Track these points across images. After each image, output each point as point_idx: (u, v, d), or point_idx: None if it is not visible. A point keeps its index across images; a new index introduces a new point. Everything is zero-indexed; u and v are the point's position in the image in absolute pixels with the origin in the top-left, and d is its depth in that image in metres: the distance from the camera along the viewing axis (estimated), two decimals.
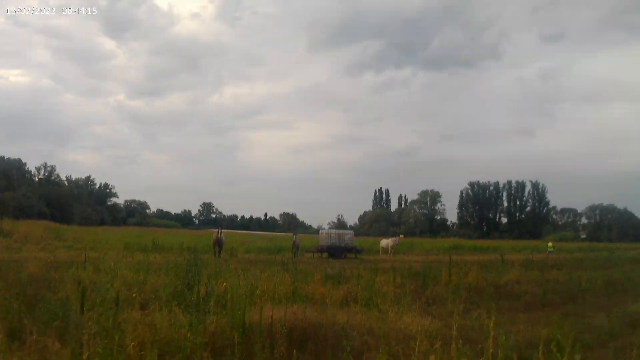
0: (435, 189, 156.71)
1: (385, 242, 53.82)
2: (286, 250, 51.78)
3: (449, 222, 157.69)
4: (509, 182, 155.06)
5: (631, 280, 23.00)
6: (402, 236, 55.62)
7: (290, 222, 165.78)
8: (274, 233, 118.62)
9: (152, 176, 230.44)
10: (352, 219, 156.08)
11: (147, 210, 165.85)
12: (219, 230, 42.16)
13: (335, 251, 48.00)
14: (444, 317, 13.96)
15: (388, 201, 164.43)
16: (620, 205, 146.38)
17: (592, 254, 55.51)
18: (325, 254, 48.81)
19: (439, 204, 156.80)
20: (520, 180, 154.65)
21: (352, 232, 52.47)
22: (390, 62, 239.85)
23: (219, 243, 41.15)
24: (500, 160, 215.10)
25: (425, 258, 52.62)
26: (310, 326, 10.88)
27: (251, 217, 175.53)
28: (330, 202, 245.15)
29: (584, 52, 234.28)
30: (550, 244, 57.41)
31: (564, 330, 11.34)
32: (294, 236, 48.19)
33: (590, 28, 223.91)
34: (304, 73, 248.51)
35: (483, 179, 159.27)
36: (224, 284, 14.45)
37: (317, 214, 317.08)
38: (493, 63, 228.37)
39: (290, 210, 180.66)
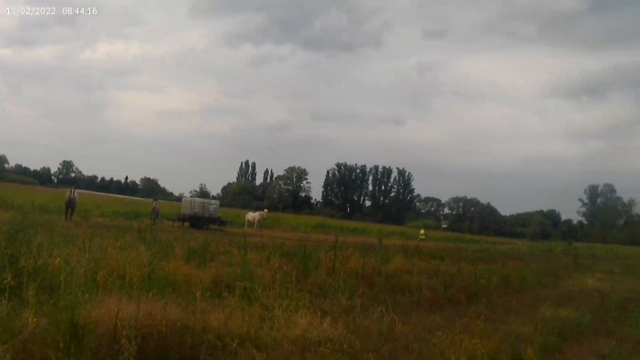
0: (303, 167, 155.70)
1: (251, 216, 50.98)
2: (145, 217, 48.08)
3: (313, 200, 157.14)
4: (376, 167, 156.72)
5: (526, 280, 21.25)
6: (266, 211, 52.73)
7: (151, 188, 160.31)
8: (133, 197, 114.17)
9: (14, 130, 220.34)
10: (215, 190, 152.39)
11: (6, 165, 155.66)
12: (72, 190, 37.79)
13: (198, 221, 44.61)
14: (341, 315, 11.18)
15: (254, 174, 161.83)
16: (483, 200, 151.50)
17: (462, 244, 55.17)
18: (186, 224, 45.35)
19: (304, 182, 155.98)
20: (387, 166, 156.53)
21: (217, 202, 48.90)
22: (271, 36, 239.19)
23: (70, 204, 37.27)
24: (369, 145, 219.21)
25: (292, 235, 50.64)
26: (172, 332, 7.67)
27: (112, 180, 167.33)
28: (194, 171, 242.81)
29: (463, 51, 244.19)
30: (422, 231, 57.05)
31: (495, 342, 9.60)
32: (154, 202, 44.33)
33: (472, 29, 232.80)
34: (182, 38, 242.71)
35: (351, 161, 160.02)
36: (57, 259, 10.82)
37: (180, 182, 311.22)
38: (373, 51, 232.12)
39: (152, 176, 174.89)
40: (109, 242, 16.81)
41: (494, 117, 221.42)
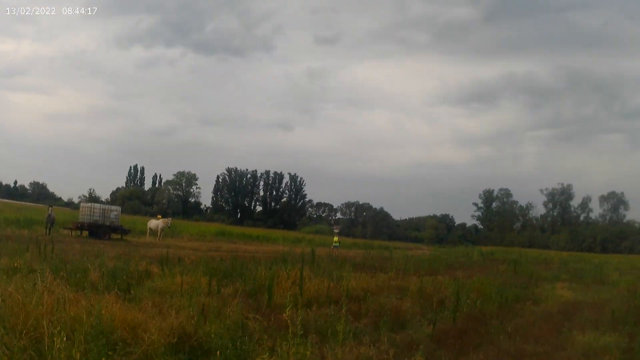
0: (192, 172, 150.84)
1: (154, 224, 47.13)
2: (38, 224, 43.64)
3: (202, 206, 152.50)
4: (267, 172, 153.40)
5: (502, 295, 18.67)
6: (170, 219, 49.06)
7: (40, 192, 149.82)
8: (22, 202, 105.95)
9: None
10: (104, 194, 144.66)
11: None
12: None
13: (98, 230, 40.37)
14: None
15: (142, 179, 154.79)
16: (375, 205, 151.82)
17: (375, 252, 53.20)
18: (85, 232, 41.21)
19: (194, 187, 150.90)
20: (278, 172, 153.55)
21: (118, 208, 44.32)
22: (162, 39, 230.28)
23: None
24: (259, 151, 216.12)
25: (199, 245, 47.31)
26: None
27: (0, 184, 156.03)
28: (83, 175, 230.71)
29: (354, 57, 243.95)
30: (336, 238, 54.54)
31: None
32: (49, 208, 39.55)
33: (364, 36, 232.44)
34: (74, 38, 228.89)
35: (242, 166, 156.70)
36: None
37: (69, 186, 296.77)
38: (264, 55, 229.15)
39: (41, 180, 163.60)
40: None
41: (384, 123, 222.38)
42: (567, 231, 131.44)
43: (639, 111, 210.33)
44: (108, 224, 41.12)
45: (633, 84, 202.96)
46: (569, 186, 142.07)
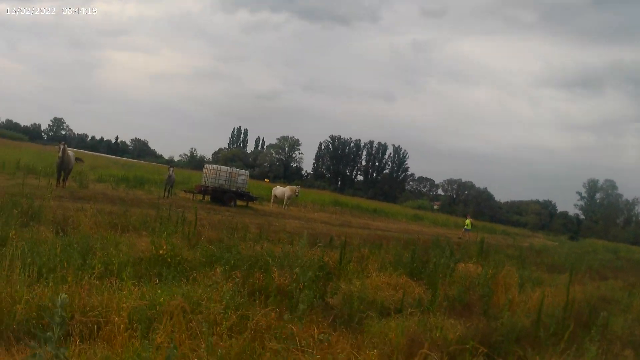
0: (296, 137, 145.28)
1: (280, 191, 41.02)
2: (151, 184, 38.17)
3: (304, 172, 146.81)
4: (371, 142, 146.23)
5: None
6: (299, 187, 42.51)
7: (141, 149, 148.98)
8: (124, 158, 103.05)
9: (6, 85, 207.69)
10: (206, 154, 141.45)
11: None
12: (61, 147, 27.30)
13: (223, 195, 34.62)
14: None
15: (245, 141, 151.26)
16: (477, 184, 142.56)
17: (501, 238, 45.50)
18: (207, 197, 35.30)
19: (297, 152, 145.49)
20: (382, 142, 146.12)
21: (247, 172, 38.24)
22: (267, 4, 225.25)
23: (62, 166, 27.54)
24: (360, 120, 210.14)
25: (328, 217, 41.12)
26: None
27: (102, 139, 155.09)
28: (184, 135, 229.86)
29: (460, 32, 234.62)
30: (468, 220, 46.44)
31: None
32: (170, 168, 33.51)
33: (471, 11, 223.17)
34: (178, 0, 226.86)
35: (343, 134, 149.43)
36: None
37: (170, 145, 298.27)
38: (369, 25, 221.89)
39: (142, 137, 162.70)
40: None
41: (486, 101, 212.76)
42: None
43: None
44: (234, 189, 35.10)
45: None
46: None
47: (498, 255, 22.52)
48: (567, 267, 22.77)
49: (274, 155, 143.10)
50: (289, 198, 40.15)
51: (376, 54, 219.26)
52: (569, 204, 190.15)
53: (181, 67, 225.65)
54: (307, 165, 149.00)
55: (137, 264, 10.62)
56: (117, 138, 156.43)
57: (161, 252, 11.24)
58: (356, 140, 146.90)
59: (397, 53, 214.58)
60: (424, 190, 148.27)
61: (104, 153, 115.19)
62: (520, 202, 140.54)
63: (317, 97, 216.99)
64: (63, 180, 27.63)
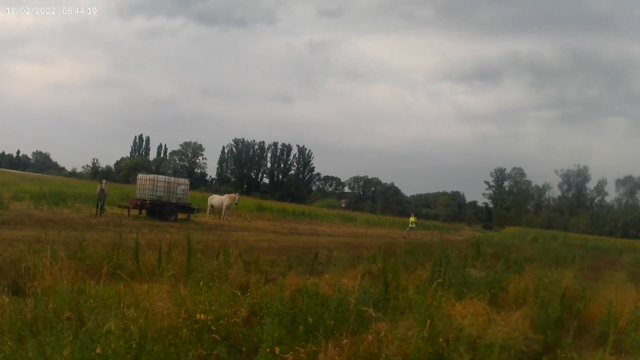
0: (199, 142, 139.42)
1: (218, 200, 36.88)
2: (73, 200, 33.40)
3: (208, 177, 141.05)
4: (275, 144, 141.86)
5: None
6: (238, 194, 38.58)
7: (43, 162, 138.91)
8: (25, 172, 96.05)
9: None
10: (108, 164, 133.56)
11: None
12: None
13: (162, 209, 30.15)
14: None
15: (147, 149, 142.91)
16: (384, 180, 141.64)
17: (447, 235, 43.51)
18: (143, 211, 30.92)
19: (200, 158, 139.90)
20: (287, 143, 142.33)
21: (187, 181, 33.56)
22: (164, 9, 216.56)
23: None
24: (260, 123, 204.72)
25: (273, 226, 37.55)
26: None
27: (3, 153, 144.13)
28: (86, 145, 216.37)
29: (357, 31, 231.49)
30: (412, 218, 43.99)
31: None
32: (102, 182, 28.62)
33: (368, 10, 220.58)
34: (76, 7, 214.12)
35: (247, 137, 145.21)
36: None
37: (72, 156, 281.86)
38: (266, 27, 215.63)
39: (43, 150, 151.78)
40: None
41: (386, 98, 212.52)
42: (587, 214, 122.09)
43: None
44: (174, 201, 30.75)
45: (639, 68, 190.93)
46: (585, 168, 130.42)
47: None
48: (551, 261, 21.02)
49: (177, 162, 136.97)
50: (227, 207, 36.19)
51: (274, 56, 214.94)
52: (476, 193, 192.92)
53: (79, 76, 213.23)
54: (211, 171, 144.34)
55: (162, 341, 6.92)
56: (18, 152, 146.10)
57: (201, 317, 7.49)
58: (260, 142, 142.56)
59: (294, 54, 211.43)
60: (330, 189, 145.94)
61: (6, 168, 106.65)
62: (428, 195, 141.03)
63: (215, 101, 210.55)
64: None
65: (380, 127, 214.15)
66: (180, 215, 31.49)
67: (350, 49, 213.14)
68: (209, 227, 29.94)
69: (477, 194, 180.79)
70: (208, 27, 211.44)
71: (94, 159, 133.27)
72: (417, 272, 13.55)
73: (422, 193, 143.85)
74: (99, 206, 27.91)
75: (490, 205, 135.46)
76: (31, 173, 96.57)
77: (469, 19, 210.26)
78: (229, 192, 43.28)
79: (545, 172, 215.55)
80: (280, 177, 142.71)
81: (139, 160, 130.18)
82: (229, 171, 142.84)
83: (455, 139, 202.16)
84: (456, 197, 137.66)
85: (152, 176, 31.26)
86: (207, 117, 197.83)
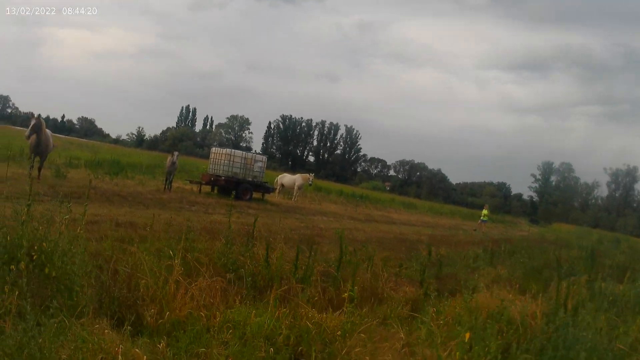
0: (246, 116, 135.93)
1: (289, 180, 33.25)
2: (132, 169, 29.90)
3: (253, 152, 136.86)
4: (323, 122, 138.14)
5: None
6: (312, 175, 34.55)
7: (87, 128, 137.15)
8: (73, 137, 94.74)
9: None
10: (154, 133, 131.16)
11: None
12: (35, 122, 18.96)
13: (238, 187, 26.30)
14: None
15: (194, 120, 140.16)
16: (430, 165, 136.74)
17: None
18: (215, 188, 27.17)
19: (247, 132, 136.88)
20: (334, 122, 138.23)
21: (264, 157, 29.45)
22: None
23: (38, 149, 19.42)
24: (305, 100, 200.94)
25: (346, 210, 33.72)
26: None
27: (47, 118, 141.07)
28: (131, 114, 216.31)
29: (407, 14, 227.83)
30: (485, 211, 39.56)
31: None
32: (175, 154, 24.74)
33: None
34: None
35: (293, 114, 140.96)
36: None
37: (116, 124, 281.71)
38: (315, 4, 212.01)
39: (88, 116, 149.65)
40: None
41: (432, 82, 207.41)
42: (635, 215, 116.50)
43: None
44: (250, 179, 26.80)
45: None
46: (635, 168, 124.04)
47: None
48: None
49: (223, 134, 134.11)
50: (299, 188, 32.49)
51: (322, 34, 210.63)
52: (520, 186, 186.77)
53: (126, 44, 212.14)
54: (257, 145, 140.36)
55: None
56: (63, 117, 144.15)
57: None
58: (307, 120, 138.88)
59: (342, 33, 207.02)
60: (375, 171, 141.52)
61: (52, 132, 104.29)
62: (473, 184, 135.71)
63: (263, 76, 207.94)
64: (38, 170, 19.11)
65: (425, 112, 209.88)
66: (256, 195, 27.65)
67: (399, 31, 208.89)
68: (285, 209, 26.12)
69: (521, 186, 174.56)
70: (257, 2, 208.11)
71: (138, 127, 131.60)
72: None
73: (468, 182, 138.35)
74: (169, 180, 24.11)
75: (536, 199, 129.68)
76: (77, 138, 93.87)
77: (520, 8, 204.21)
78: (274, 169, 39.14)
79: (591, 169, 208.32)
80: (326, 155, 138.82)
81: (184, 130, 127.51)
82: (274, 147, 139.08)
83: (500, 128, 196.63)
84: (502, 188, 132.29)
85: (228, 150, 27.20)
86: (253, 91, 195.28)
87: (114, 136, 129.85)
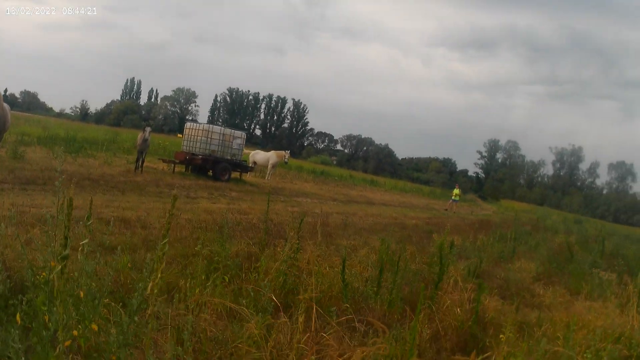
0: (192, 89, 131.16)
1: (262, 157, 30.55)
2: (90, 147, 26.66)
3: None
4: (270, 95, 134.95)
5: None
6: (288, 153, 31.65)
7: (30, 102, 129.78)
8: (15, 112, 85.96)
9: None
10: (98, 106, 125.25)
11: None
12: None
13: (215, 166, 23.33)
14: None
15: (138, 93, 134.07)
16: (377, 140, 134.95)
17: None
18: (189, 168, 24.22)
19: (193, 105, 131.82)
20: (282, 96, 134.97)
21: (243, 134, 25.81)
22: None
23: None
24: (252, 72, 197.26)
25: (322, 190, 31.29)
26: None
27: None
28: (74, 87, 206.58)
29: None
30: (456, 190, 37.56)
31: None
32: (147, 129, 21.53)
33: None
34: None
35: (239, 87, 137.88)
36: None
37: (60, 97, 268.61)
38: None
39: (31, 89, 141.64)
40: None
41: (379, 58, 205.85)
42: (580, 195, 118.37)
43: (635, 82, 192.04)
44: (229, 157, 23.84)
45: (633, 55, 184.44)
46: (579, 148, 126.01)
47: None
48: None
49: (168, 107, 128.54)
50: (273, 166, 29.82)
51: (268, 6, 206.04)
52: (466, 162, 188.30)
53: (69, 16, 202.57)
54: (203, 119, 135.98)
55: None
56: (5, 90, 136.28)
57: None
58: (255, 93, 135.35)
59: (289, 6, 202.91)
60: (322, 145, 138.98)
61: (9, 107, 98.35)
62: (419, 159, 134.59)
63: (210, 49, 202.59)
64: None
65: (373, 87, 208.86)
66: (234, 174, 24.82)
67: (347, 6, 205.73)
68: (265, 190, 23.41)
69: (467, 162, 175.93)
70: None
71: (82, 100, 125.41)
72: None
73: (414, 157, 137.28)
74: (140, 160, 20.92)
75: (482, 175, 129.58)
76: (21, 112, 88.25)
77: None
78: None
79: (537, 148, 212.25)
80: (273, 129, 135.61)
81: (129, 103, 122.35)
82: (220, 120, 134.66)
83: (447, 105, 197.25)
84: (447, 164, 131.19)
85: (205, 126, 23.91)
86: (200, 64, 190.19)
87: (57, 110, 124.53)
